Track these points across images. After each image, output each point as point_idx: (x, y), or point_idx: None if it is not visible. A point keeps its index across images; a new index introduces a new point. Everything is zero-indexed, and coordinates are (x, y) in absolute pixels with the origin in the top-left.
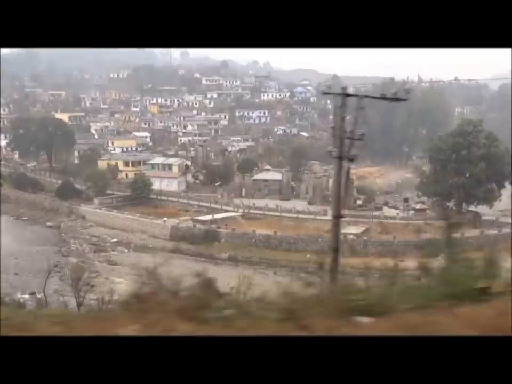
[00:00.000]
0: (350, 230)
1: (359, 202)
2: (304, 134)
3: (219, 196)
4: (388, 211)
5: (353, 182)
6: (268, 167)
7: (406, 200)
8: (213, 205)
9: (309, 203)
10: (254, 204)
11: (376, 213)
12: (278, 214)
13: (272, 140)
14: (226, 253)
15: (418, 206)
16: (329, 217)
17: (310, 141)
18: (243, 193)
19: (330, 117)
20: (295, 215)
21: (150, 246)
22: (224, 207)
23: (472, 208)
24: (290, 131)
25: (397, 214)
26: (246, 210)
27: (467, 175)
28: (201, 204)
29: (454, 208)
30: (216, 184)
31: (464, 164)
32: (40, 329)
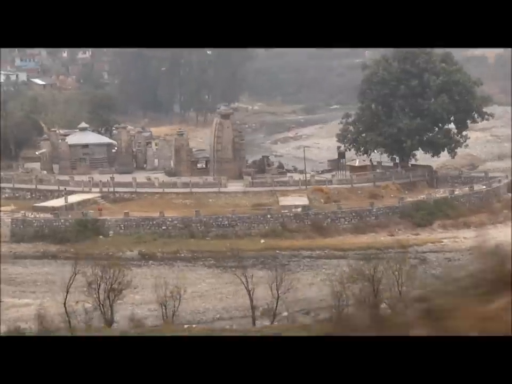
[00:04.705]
0: (292, 202)
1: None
2: (39, 81)
3: (20, 171)
4: (297, 176)
5: (243, 139)
6: (83, 124)
7: (341, 154)
8: (30, 185)
9: (169, 174)
10: (89, 180)
11: (284, 179)
12: (155, 191)
13: None
14: (132, 250)
15: (357, 164)
16: (232, 188)
17: (50, 91)
18: (53, 167)
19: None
20: (183, 190)
21: None
22: (62, 187)
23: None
24: (17, 76)
25: (331, 176)
26: (105, 190)
27: (423, 113)
28: (14, 185)
29: (400, 162)
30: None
31: (416, 98)
32: None
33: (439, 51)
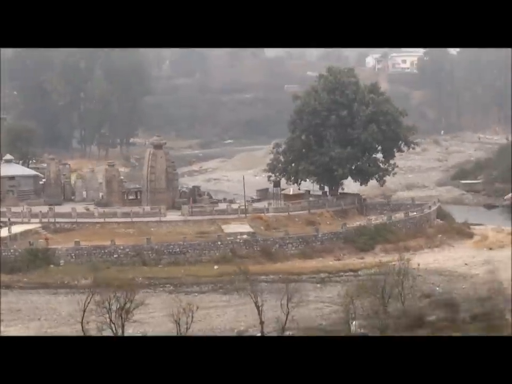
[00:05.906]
0: (236, 229)
1: (183, 199)
2: None
3: None
4: (226, 205)
5: (175, 169)
6: (8, 156)
7: (276, 183)
8: None
9: (99, 204)
10: (28, 211)
11: (222, 208)
12: (96, 221)
13: None
14: (87, 278)
15: (291, 192)
16: (171, 217)
17: None
18: None
19: None
20: (123, 220)
21: None
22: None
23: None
24: None
25: (268, 204)
26: (45, 220)
27: (353, 143)
28: None
29: (330, 190)
30: None
31: (346, 128)
32: None
33: (366, 82)
